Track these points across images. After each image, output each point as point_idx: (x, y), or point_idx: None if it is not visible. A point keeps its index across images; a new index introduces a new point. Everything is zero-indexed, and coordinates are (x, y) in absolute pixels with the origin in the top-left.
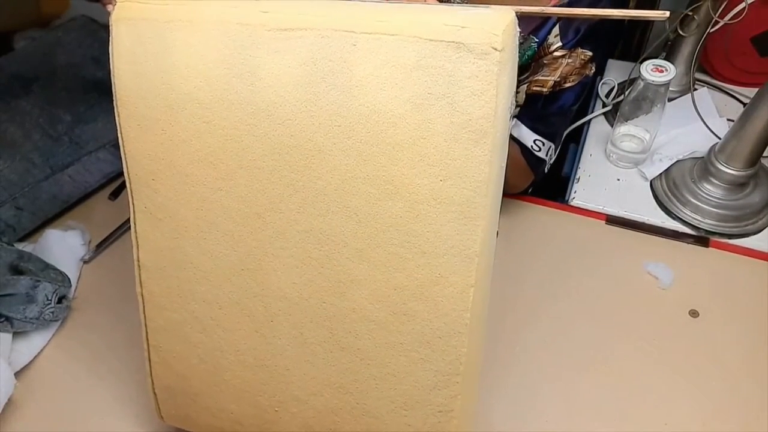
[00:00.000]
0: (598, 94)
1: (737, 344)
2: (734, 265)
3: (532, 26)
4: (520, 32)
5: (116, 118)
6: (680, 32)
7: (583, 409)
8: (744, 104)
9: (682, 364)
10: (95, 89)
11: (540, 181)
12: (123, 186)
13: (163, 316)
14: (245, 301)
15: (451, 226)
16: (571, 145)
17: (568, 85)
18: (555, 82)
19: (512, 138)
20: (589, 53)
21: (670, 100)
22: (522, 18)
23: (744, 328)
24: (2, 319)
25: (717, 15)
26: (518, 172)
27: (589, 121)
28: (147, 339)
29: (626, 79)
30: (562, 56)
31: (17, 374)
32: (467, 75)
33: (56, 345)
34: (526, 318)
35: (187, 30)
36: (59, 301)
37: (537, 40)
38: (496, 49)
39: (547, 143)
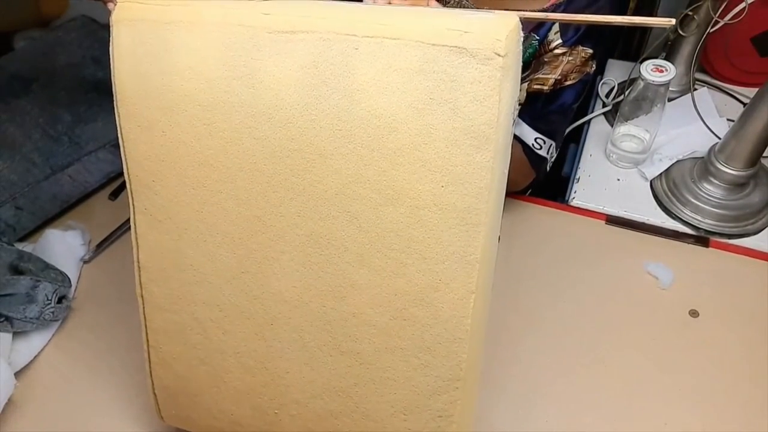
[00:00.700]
0: (598, 93)
1: (737, 344)
2: (734, 265)
3: (533, 24)
4: (522, 31)
5: (116, 118)
6: (680, 32)
7: (583, 409)
8: (744, 104)
9: (682, 364)
10: (95, 89)
11: (541, 179)
12: (123, 186)
13: (163, 318)
14: (245, 304)
15: (452, 232)
16: (571, 145)
17: (568, 83)
18: (556, 80)
19: (513, 136)
20: (590, 51)
21: (670, 100)
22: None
23: (744, 328)
24: (2, 319)
25: (717, 15)
26: (519, 171)
27: (589, 121)
28: (147, 339)
29: (626, 79)
30: (563, 54)
31: (17, 374)
32: (470, 80)
33: (56, 345)
34: (526, 318)
35: (188, 31)
36: (59, 301)
37: (538, 38)
38: (499, 55)
39: (548, 141)
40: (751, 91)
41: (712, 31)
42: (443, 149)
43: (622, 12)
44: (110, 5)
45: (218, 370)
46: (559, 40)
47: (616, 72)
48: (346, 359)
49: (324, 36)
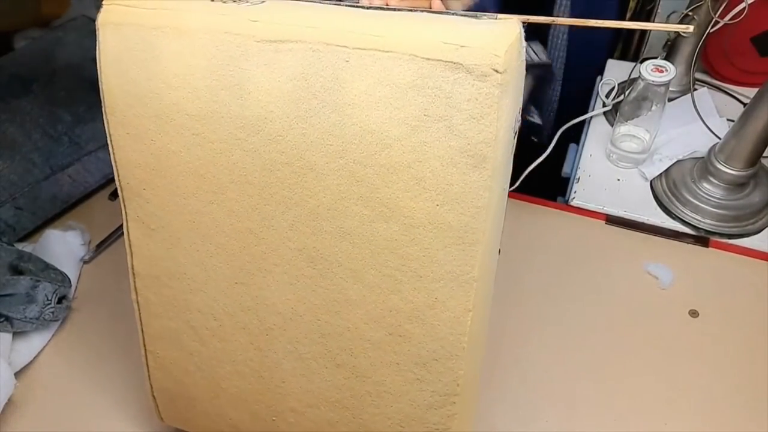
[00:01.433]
0: (598, 93)
1: (737, 344)
2: (734, 265)
3: None
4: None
5: (105, 125)
6: (680, 32)
7: (583, 410)
8: (744, 104)
9: (682, 364)
10: (95, 89)
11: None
12: None
13: (159, 324)
14: (240, 314)
15: (448, 251)
16: (571, 145)
17: None
18: None
19: None
20: None
21: (670, 100)
22: None
23: (744, 328)
24: (2, 319)
25: (717, 15)
26: None
27: (589, 121)
28: (144, 344)
29: (626, 79)
30: None
31: (17, 374)
32: (466, 98)
33: (56, 345)
34: (525, 318)
35: (174, 37)
36: (59, 301)
37: None
38: (497, 71)
39: None
40: (751, 91)
41: (712, 31)
42: (438, 168)
43: (622, 12)
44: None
45: (215, 376)
46: None
47: (616, 72)
48: (342, 371)
49: (313, 47)
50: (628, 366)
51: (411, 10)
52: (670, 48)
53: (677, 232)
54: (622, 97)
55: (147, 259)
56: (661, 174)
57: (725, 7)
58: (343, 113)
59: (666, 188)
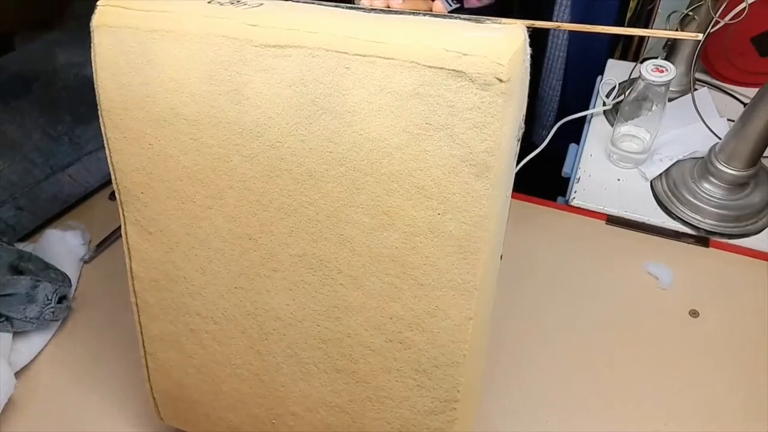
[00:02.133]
0: (598, 93)
1: (737, 344)
2: (734, 265)
3: None
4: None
5: (102, 128)
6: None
7: (583, 410)
8: (744, 104)
9: (682, 364)
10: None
11: None
12: None
13: (159, 326)
14: (239, 318)
15: (449, 259)
16: (571, 145)
17: None
18: None
19: None
20: None
21: (670, 100)
22: None
23: (744, 328)
24: (2, 319)
25: (717, 15)
26: None
27: (589, 121)
28: (143, 346)
29: (626, 79)
30: None
31: (17, 374)
32: (469, 106)
33: (56, 345)
34: (526, 318)
35: (171, 41)
36: (59, 301)
37: None
38: (500, 80)
39: None
40: (751, 91)
41: (712, 31)
42: (440, 176)
43: (622, 12)
44: None
45: (215, 379)
46: None
47: (616, 72)
48: (342, 377)
49: (312, 52)
50: (628, 366)
51: (413, 13)
52: (671, 48)
53: (677, 232)
54: (622, 97)
55: (145, 262)
56: (661, 174)
57: (725, 7)
58: (343, 120)
59: (666, 188)
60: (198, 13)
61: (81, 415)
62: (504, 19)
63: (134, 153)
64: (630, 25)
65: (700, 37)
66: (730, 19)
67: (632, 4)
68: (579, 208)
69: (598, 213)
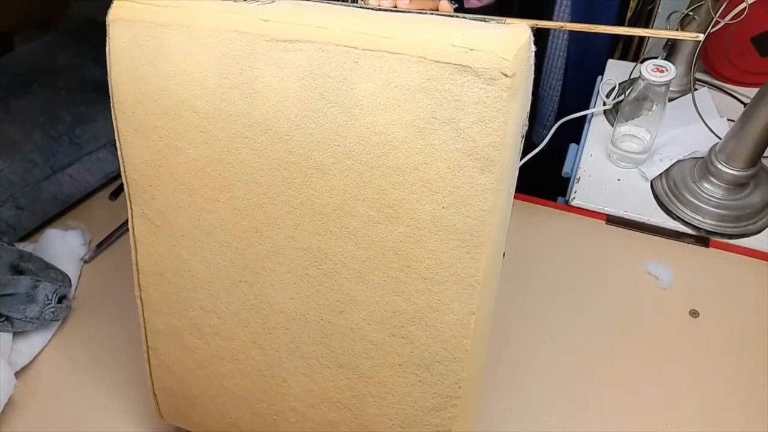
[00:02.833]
0: (598, 93)
1: (737, 344)
2: (734, 265)
3: None
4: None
5: (113, 121)
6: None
7: (584, 410)
8: (744, 104)
9: (682, 364)
10: (95, 89)
11: None
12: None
13: (162, 321)
14: (243, 312)
15: (453, 253)
16: (571, 145)
17: None
18: None
19: None
20: None
21: (670, 100)
22: None
23: (744, 328)
24: (2, 319)
25: (717, 15)
26: None
27: (589, 121)
28: (146, 341)
29: (627, 79)
30: None
31: (17, 374)
32: (474, 101)
33: (56, 345)
34: (526, 318)
35: (185, 35)
36: (59, 300)
37: None
38: (506, 75)
39: None
40: (751, 91)
41: (712, 31)
42: (445, 170)
43: (622, 12)
44: None
45: (216, 374)
46: None
47: (616, 72)
48: (344, 372)
49: (322, 47)
50: (628, 366)
51: (420, 12)
52: (671, 48)
53: (677, 232)
54: (622, 97)
55: (151, 256)
56: (661, 174)
57: (725, 7)
58: (351, 114)
59: (666, 188)
60: (211, 8)
61: (81, 415)
62: (509, 19)
63: (144, 146)
64: (630, 25)
65: (701, 37)
66: (730, 19)
67: (632, 4)
68: (579, 208)
69: (598, 213)
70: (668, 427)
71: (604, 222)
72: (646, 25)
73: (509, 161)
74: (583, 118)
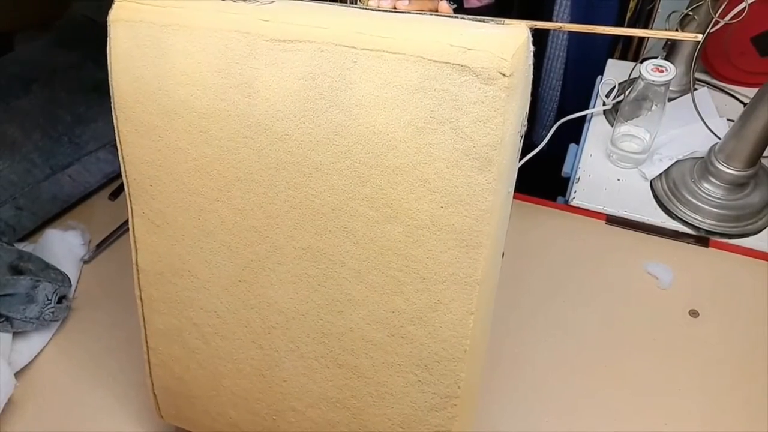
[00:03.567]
0: (598, 93)
1: (737, 344)
2: (734, 265)
3: None
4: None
5: (114, 121)
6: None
7: (583, 409)
8: (744, 104)
9: (682, 364)
10: (95, 89)
11: None
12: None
13: (162, 321)
14: (242, 312)
15: (451, 253)
16: (571, 145)
17: None
18: None
19: None
20: None
21: (670, 100)
22: None
23: (744, 328)
24: (2, 319)
25: (717, 15)
26: None
27: (589, 121)
28: (146, 341)
29: (626, 79)
30: None
31: (17, 374)
32: (473, 100)
33: (56, 345)
34: (526, 318)
35: (185, 35)
36: (59, 301)
37: None
38: (504, 75)
39: None
40: (751, 91)
41: (712, 31)
42: (443, 169)
43: (622, 12)
44: None
45: (216, 374)
46: None
47: (616, 72)
48: (343, 372)
49: (321, 47)
50: (627, 366)
51: (419, 13)
52: (671, 48)
53: (677, 232)
54: (622, 96)
55: (151, 255)
56: (661, 174)
57: (725, 7)
58: (350, 113)
59: (666, 188)
60: (211, 9)
61: (81, 415)
62: (507, 20)
63: (144, 145)
64: (630, 25)
65: (699, 38)
66: (730, 19)
67: (632, 4)
68: (579, 208)
69: (598, 213)
70: (668, 427)
71: (603, 222)
72: (646, 25)
73: (508, 161)
74: (583, 118)
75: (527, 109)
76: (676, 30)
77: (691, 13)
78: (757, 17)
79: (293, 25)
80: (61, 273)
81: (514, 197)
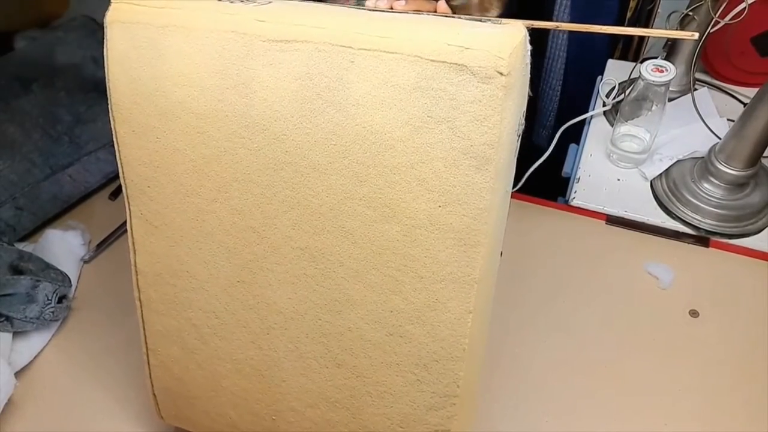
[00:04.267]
0: (598, 93)
1: (737, 344)
2: (734, 265)
3: None
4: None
5: (111, 122)
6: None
7: (583, 409)
8: (744, 104)
9: (682, 364)
10: (95, 89)
11: None
12: None
13: (161, 322)
14: (241, 312)
15: (449, 252)
16: (571, 145)
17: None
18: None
19: None
20: None
21: (670, 100)
22: None
23: (744, 328)
24: (2, 319)
25: (717, 15)
26: None
27: (589, 121)
28: (146, 342)
29: (626, 79)
30: None
31: (17, 374)
32: (470, 99)
33: (56, 345)
34: (526, 318)
35: (181, 36)
36: (59, 300)
37: None
38: (501, 74)
39: None
40: (751, 91)
41: (712, 31)
42: (441, 169)
43: (622, 12)
44: None
45: (215, 375)
46: None
47: (616, 72)
48: (342, 371)
49: (318, 47)
50: (627, 366)
51: (416, 13)
52: (671, 48)
53: (677, 232)
54: (622, 97)
55: (150, 257)
56: (661, 174)
57: (725, 7)
58: (347, 113)
59: (666, 188)
60: (208, 9)
61: (81, 415)
62: (504, 20)
63: (142, 146)
64: (630, 25)
65: (697, 36)
66: (730, 19)
67: (632, 4)
68: (579, 208)
69: (598, 213)
70: (668, 427)
71: (604, 222)
72: (646, 25)
73: (505, 160)
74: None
75: (525, 108)
76: (676, 30)
77: (691, 13)
78: (757, 17)
79: (290, 26)
80: (61, 273)
81: (514, 197)
